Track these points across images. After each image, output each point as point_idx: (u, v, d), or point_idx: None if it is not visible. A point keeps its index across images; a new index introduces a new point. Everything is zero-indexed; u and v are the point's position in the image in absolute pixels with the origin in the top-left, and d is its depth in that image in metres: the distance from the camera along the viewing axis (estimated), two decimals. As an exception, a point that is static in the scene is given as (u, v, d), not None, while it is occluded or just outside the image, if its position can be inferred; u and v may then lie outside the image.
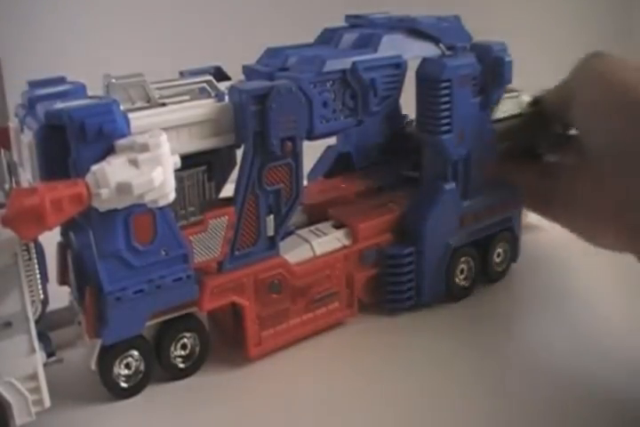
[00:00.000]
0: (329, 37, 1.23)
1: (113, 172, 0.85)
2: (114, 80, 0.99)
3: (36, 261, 0.93)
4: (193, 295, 1.02)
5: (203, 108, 1.01)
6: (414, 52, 1.17)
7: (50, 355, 0.96)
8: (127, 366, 1.02)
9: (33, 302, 0.92)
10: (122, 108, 0.93)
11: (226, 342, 1.14)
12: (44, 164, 0.90)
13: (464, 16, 1.26)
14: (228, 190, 1.09)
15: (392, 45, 1.14)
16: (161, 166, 0.88)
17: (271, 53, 1.17)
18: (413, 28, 1.19)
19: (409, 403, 1.00)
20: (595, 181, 1.00)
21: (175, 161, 0.92)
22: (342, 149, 1.37)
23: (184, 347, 1.06)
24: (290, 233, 1.16)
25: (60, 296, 1.06)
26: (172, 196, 0.91)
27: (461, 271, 1.27)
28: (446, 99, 1.15)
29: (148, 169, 0.86)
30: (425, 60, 1.16)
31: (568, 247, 1.46)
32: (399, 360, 1.10)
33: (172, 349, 1.05)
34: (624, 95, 0.95)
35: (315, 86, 1.06)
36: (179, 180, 0.97)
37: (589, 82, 1.04)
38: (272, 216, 1.07)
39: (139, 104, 0.99)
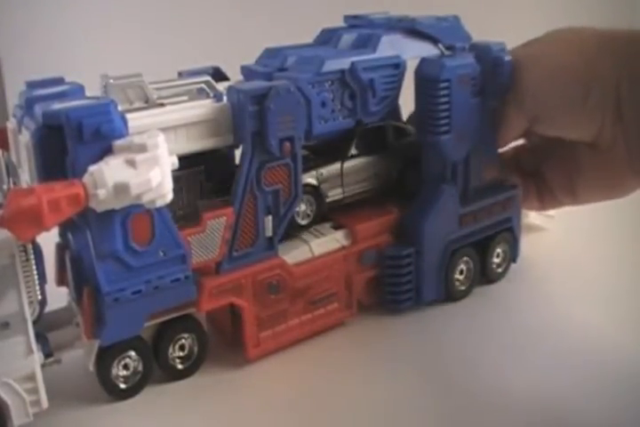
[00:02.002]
0: (328, 38, 1.23)
1: (110, 172, 0.85)
2: (112, 80, 0.99)
3: (33, 261, 0.93)
4: (191, 296, 1.02)
5: (201, 108, 1.01)
6: (413, 52, 1.17)
7: (48, 356, 0.96)
8: (125, 366, 1.02)
9: (31, 302, 0.92)
10: (120, 108, 0.93)
11: (224, 342, 1.14)
12: (42, 164, 0.90)
13: (463, 16, 1.25)
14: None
15: (391, 45, 1.14)
16: (159, 167, 0.87)
17: (270, 54, 1.17)
18: (412, 29, 1.18)
19: (408, 402, 1.00)
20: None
21: (173, 161, 0.91)
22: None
23: (182, 348, 1.06)
24: (289, 234, 1.15)
25: (59, 297, 1.06)
26: (169, 196, 0.91)
27: (460, 272, 1.27)
28: (445, 99, 1.14)
29: (145, 169, 0.86)
30: (424, 60, 1.16)
31: (568, 248, 1.47)
32: (399, 360, 1.10)
33: (171, 350, 1.05)
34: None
35: (313, 87, 1.06)
36: (176, 180, 0.97)
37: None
38: (270, 217, 1.07)
39: (137, 104, 0.99)
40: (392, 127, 1.24)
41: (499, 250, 1.32)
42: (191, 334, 1.06)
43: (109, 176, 0.85)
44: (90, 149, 0.88)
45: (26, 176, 0.96)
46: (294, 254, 1.13)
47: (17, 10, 1.81)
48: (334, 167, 1.17)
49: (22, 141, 0.94)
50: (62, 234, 1.05)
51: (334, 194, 1.17)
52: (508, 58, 1.18)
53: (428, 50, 1.19)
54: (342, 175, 1.18)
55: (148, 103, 1.00)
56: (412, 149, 1.24)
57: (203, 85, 1.05)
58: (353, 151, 1.19)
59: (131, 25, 1.83)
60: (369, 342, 1.15)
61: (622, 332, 1.15)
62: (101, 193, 0.84)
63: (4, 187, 1.06)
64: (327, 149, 1.12)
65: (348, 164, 1.18)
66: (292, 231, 1.14)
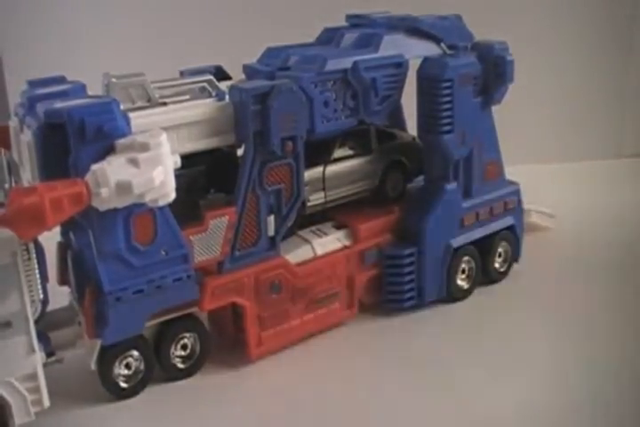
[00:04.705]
0: (330, 37, 1.23)
1: (113, 171, 0.85)
2: (114, 79, 0.98)
3: (35, 260, 0.93)
4: (193, 295, 1.02)
5: (203, 107, 1.00)
6: (415, 51, 1.16)
7: (49, 355, 0.96)
8: (127, 366, 1.01)
9: (32, 301, 0.92)
10: (122, 107, 0.92)
11: (226, 342, 1.13)
12: (44, 163, 0.90)
13: (465, 15, 1.25)
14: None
15: (393, 45, 1.14)
16: (161, 166, 0.87)
17: (272, 53, 1.17)
18: (415, 28, 1.18)
19: (409, 403, 1.00)
20: None
21: (175, 160, 0.91)
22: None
23: (184, 347, 1.06)
24: (291, 233, 1.15)
25: (60, 296, 1.06)
26: (172, 195, 0.90)
27: (462, 271, 1.26)
28: (448, 98, 1.14)
29: (148, 168, 0.86)
30: (426, 60, 1.16)
31: (570, 247, 1.46)
32: (399, 361, 1.09)
33: (173, 349, 1.05)
34: None
35: (316, 86, 1.05)
36: (178, 179, 0.97)
37: None
38: (273, 216, 1.07)
39: (139, 103, 0.99)
40: (376, 130, 1.22)
41: (500, 250, 1.32)
42: (193, 334, 1.06)
43: (112, 175, 0.84)
44: (92, 148, 0.87)
45: (27, 175, 0.96)
46: (296, 254, 1.12)
47: (18, 8, 1.81)
48: (316, 171, 1.14)
49: (24, 140, 0.93)
50: (64, 233, 1.04)
51: (316, 198, 1.15)
52: (510, 57, 1.18)
53: (431, 49, 1.19)
54: (324, 179, 1.16)
55: (151, 102, 0.99)
56: (396, 153, 1.24)
57: (205, 84, 1.05)
58: (336, 155, 1.17)
59: (133, 24, 1.82)
60: (370, 341, 1.15)
61: (625, 332, 1.15)
62: (104, 192, 0.84)
63: (6, 186, 1.06)
64: (309, 153, 1.09)
65: (331, 167, 1.16)
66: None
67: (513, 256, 1.34)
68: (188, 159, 0.97)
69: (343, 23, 1.29)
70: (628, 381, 1.02)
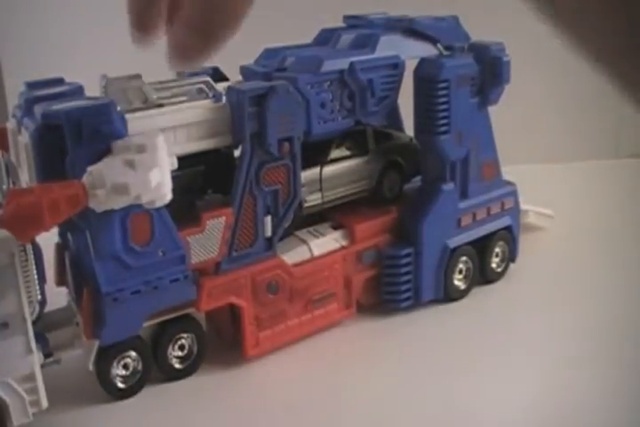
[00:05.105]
0: (327, 38, 1.23)
1: (109, 173, 0.85)
2: (112, 81, 0.99)
3: (33, 261, 0.94)
4: (190, 296, 1.02)
5: (200, 108, 1.01)
6: (412, 52, 1.17)
7: (47, 356, 0.96)
8: (125, 366, 1.02)
9: (30, 302, 0.92)
10: (119, 108, 0.93)
11: (223, 342, 1.14)
12: (41, 165, 0.90)
13: (462, 16, 1.25)
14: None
15: (390, 46, 1.14)
16: (158, 167, 0.88)
17: (269, 54, 1.17)
18: (411, 29, 1.19)
19: (406, 402, 1.00)
20: None
21: (172, 162, 0.92)
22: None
23: (182, 348, 1.06)
24: (288, 234, 1.16)
25: (58, 297, 1.06)
26: (168, 197, 0.91)
27: (459, 272, 1.27)
28: (444, 99, 1.15)
29: (144, 170, 0.87)
30: (423, 61, 1.16)
31: (567, 248, 1.46)
32: (397, 360, 1.10)
33: (170, 349, 1.05)
34: None
35: (312, 87, 1.06)
36: (176, 180, 0.97)
37: None
38: (270, 217, 1.07)
39: (136, 105, 0.99)
40: (373, 131, 1.22)
41: (497, 250, 1.32)
42: (190, 334, 1.06)
43: (108, 177, 0.85)
44: (89, 150, 0.88)
45: (25, 176, 0.96)
46: (293, 254, 1.13)
47: (17, 10, 1.81)
48: (313, 172, 1.14)
49: (22, 142, 0.94)
50: (62, 234, 1.05)
51: (313, 199, 1.15)
52: (506, 58, 1.18)
53: (427, 50, 1.19)
54: (321, 180, 1.16)
55: (148, 104, 1.00)
56: (393, 154, 1.24)
57: (202, 86, 1.05)
58: (333, 155, 1.17)
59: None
60: (368, 341, 1.15)
61: (622, 331, 1.15)
62: (100, 193, 0.84)
63: (4, 187, 1.06)
64: (306, 154, 1.08)
65: (328, 168, 1.16)
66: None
67: (510, 256, 1.34)
68: (185, 160, 0.98)
69: (340, 24, 1.30)
70: (628, 380, 1.03)
